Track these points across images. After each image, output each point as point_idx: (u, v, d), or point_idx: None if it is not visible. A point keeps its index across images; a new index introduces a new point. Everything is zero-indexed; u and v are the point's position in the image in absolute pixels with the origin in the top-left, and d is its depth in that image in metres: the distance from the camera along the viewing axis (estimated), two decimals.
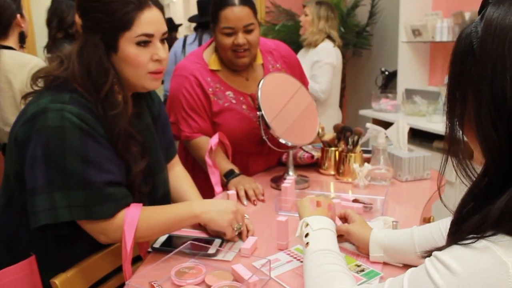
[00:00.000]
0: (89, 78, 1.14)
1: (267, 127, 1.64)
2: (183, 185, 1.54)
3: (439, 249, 0.72)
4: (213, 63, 1.80)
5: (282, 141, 1.67)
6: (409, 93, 3.22)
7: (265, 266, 1.07)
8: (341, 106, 3.99)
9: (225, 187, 1.70)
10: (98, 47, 1.15)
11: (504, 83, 0.65)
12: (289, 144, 1.71)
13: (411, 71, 3.44)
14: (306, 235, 1.01)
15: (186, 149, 1.89)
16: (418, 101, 3.10)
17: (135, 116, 1.25)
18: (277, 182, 1.76)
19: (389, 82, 3.72)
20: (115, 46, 1.16)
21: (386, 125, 2.87)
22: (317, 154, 1.97)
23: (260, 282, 1.03)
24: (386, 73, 3.75)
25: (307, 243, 0.99)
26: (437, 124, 2.76)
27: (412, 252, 1.06)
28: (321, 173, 1.92)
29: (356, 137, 1.84)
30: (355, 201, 1.53)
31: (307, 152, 1.98)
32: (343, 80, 4.28)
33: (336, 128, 1.95)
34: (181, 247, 1.16)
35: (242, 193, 1.60)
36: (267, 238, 1.31)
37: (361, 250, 1.17)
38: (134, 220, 1.13)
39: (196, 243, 1.19)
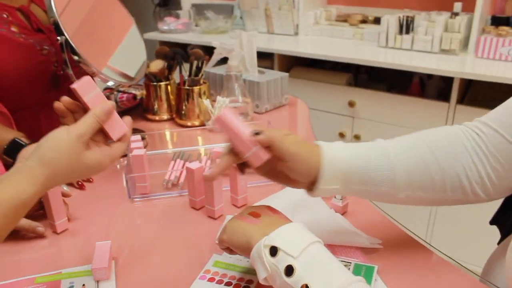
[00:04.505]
0: None
1: (77, 60, 0.97)
2: None
3: None
4: None
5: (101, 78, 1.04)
6: (199, 9, 2.76)
7: None
8: None
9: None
10: None
11: None
12: (111, 84, 1.09)
13: None
14: (289, 271, 0.51)
15: None
16: (212, 16, 2.67)
17: None
18: None
19: None
20: None
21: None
22: (140, 93, 1.38)
23: None
24: None
25: (305, 286, 0.50)
26: None
27: (389, 182, 0.64)
28: (150, 120, 1.36)
29: (197, 63, 1.32)
30: None
31: (124, 92, 1.37)
32: None
33: (160, 53, 1.38)
34: None
35: None
36: (146, 246, 0.74)
37: (296, 177, 0.64)
38: None
39: None
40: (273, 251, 0.53)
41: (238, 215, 0.63)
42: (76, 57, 0.96)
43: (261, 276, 0.54)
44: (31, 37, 1.08)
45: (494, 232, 0.90)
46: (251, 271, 0.67)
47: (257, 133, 0.61)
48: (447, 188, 0.65)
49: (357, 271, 0.66)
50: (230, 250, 0.64)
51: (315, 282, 0.49)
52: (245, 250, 0.58)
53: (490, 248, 0.82)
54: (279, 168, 0.64)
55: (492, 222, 0.82)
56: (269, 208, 0.64)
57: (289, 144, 0.61)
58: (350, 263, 0.68)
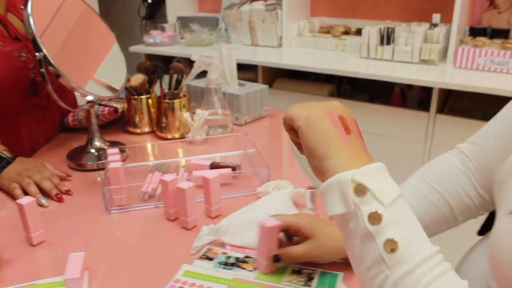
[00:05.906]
0: None
1: (56, 75, 1.00)
2: None
3: None
4: None
5: (81, 94, 1.06)
6: (185, 22, 2.79)
7: None
8: None
9: None
10: None
11: None
12: (90, 98, 1.11)
13: None
14: (374, 218, 0.44)
15: None
16: (197, 29, 2.71)
17: None
18: (78, 158, 1.15)
19: (155, 11, 3.21)
20: None
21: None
22: (121, 106, 1.39)
23: None
24: (149, 1, 3.20)
25: (391, 241, 0.43)
26: None
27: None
28: (132, 133, 1.38)
29: (177, 76, 1.34)
30: (215, 166, 1.08)
31: (105, 105, 1.38)
32: None
33: (141, 67, 1.40)
34: None
35: (34, 190, 0.96)
36: (115, 262, 0.75)
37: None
38: None
39: None
40: (360, 190, 0.45)
41: (329, 111, 0.52)
42: (55, 72, 0.98)
43: (334, 211, 0.46)
44: (9, 44, 1.11)
45: (465, 234, 0.92)
46: (220, 281, 0.68)
47: (276, 259, 0.70)
48: (457, 215, 0.72)
49: (322, 279, 0.68)
50: (293, 132, 0.55)
51: (404, 240, 0.43)
52: (316, 160, 0.50)
53: (461, 250, 0.84)
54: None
55: (480, 233, 0.84)
56: (356, 123, 0.54)
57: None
58: (316, 270, 0.70)
